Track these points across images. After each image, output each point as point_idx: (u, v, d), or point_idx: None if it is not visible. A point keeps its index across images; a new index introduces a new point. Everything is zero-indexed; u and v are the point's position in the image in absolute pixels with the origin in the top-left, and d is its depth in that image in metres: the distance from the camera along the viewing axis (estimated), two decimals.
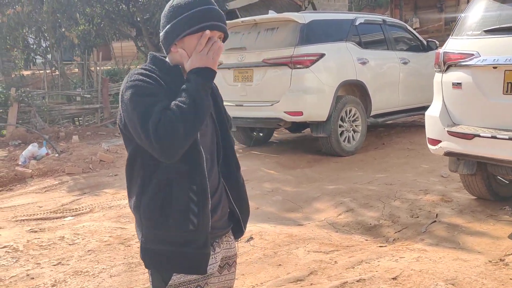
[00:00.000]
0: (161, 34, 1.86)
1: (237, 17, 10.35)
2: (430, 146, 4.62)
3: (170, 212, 1.76)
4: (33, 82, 16.39)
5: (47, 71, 13.50)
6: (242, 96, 7.51)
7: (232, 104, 7.51)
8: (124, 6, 13.91)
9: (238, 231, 2.07)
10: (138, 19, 13.79)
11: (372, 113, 7.92)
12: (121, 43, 21.06)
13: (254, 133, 8.74)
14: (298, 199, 5.58)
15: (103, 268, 3.94)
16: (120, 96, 1.78)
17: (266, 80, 7.27)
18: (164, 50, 1.90)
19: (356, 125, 7.63)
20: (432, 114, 4.58)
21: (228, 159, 2.00)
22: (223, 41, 1.89)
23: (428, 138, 4.66)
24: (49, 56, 13.45)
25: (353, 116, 7.57)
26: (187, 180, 1.77)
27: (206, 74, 1.75)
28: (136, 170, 1.83)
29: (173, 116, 1.65)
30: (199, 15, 1.78)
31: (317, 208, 5.29)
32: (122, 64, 18.92)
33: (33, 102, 11.01)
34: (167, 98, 1.72)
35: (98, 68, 12.46)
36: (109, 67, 17.81)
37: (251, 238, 4.42)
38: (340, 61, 7.41)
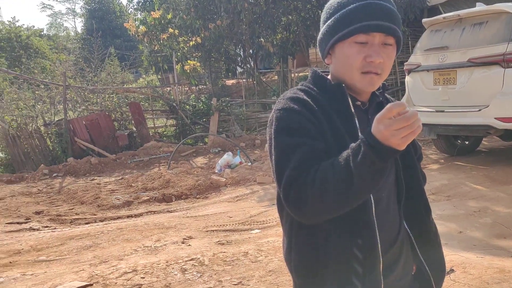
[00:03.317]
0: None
1: (440, 14, 9.41)
2: None
3: (325, 272, 1.34)
4: (236, 91, 17.35)
5: (248, 80, 14.07)
6: (444, 100, 6.72)
7: (431, 110, 6.83)
8: (320, 11, 13.81)
9: None
10: None
11: None
12: (315, 49, 21.17)
13: (459, 140, 7.79)
14: (511, 223, 4.68)
15: None
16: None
17: (472, 82, 6.38)
18: None
19: None
20: None
21: (413, 200, 1.50)
22: (397, 48, 1.39)
23: None
24: (248, 65, 14.00)
25: None
26: (349, 232, 1.33)
27: (384, 152, 1.15)
28: (285, 212, 1.44)
29: (310, 181, 1.22)
30: (349, 15, 1.33)
31: None
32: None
33: (232, 111, 11.48)
34: (322, 135, 1.30)
35: (293, 75, 12.54)
36: (306, 73, 17.98)
37: (452, 270, 3.75)
38: None
